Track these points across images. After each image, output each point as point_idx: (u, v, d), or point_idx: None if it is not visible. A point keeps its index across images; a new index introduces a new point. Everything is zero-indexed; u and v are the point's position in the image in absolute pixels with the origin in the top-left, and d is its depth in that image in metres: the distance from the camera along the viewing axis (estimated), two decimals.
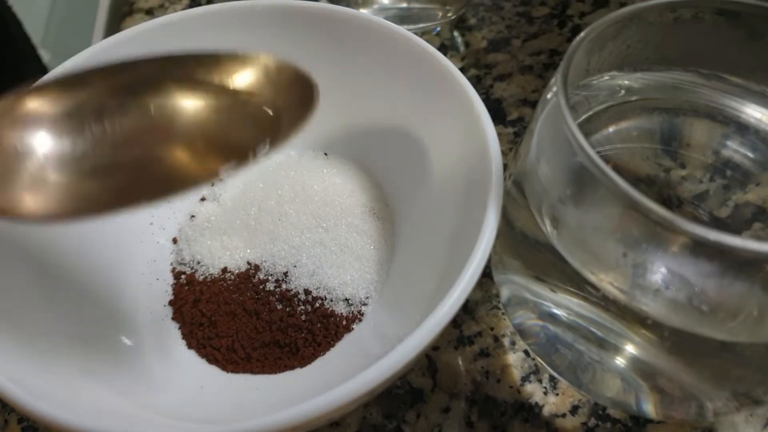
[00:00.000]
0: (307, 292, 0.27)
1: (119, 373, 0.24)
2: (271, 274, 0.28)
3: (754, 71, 0.22)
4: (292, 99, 0.22)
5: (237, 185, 0.31)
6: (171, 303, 0.28)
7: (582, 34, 0.20)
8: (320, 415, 0.17)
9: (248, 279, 0.28)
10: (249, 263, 0.28)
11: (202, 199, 0.31)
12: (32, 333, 0.22)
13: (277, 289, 0.27)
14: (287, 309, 0.27)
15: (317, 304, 0.27)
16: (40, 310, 0.23)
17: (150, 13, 0.46)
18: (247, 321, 0.27)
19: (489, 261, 0.20)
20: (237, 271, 0.28)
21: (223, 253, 0.29)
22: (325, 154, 0.32)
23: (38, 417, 0.18)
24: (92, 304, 0.26)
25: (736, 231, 0.22)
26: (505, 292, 0.25)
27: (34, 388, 0.19)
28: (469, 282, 0.19)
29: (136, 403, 0.22)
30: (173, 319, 0.27)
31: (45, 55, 0.65)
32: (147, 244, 0.29)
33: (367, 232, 0.29)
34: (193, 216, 0.30)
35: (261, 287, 0.27)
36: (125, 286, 0.28)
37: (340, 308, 0.27)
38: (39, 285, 0.24)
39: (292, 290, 0.27)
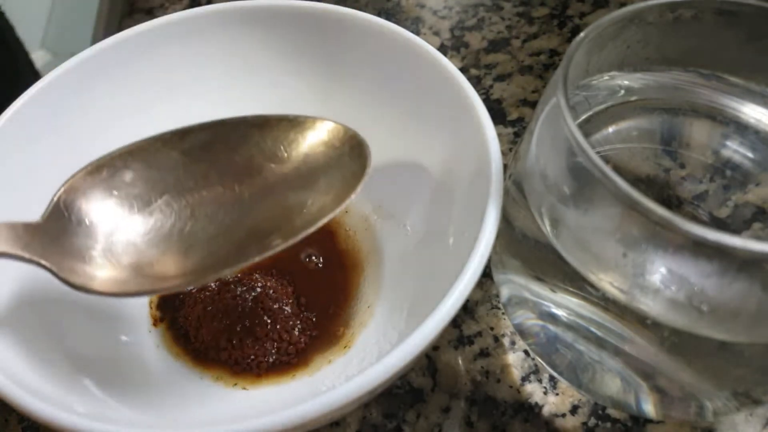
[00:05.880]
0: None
1: (118, 373, 0.24)
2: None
3: (754, 71, 0.22)
4: (344, 162, 0.23)
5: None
6: (158, 307, 0.27)
7: (582, 34, 0.20)
8: (320, 415, 0.17)
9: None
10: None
11: None
12: (32, 332, 0.22)
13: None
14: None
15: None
16: (38, 308, 0.23)
17: (150, 13, 0.46)
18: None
19: (489, 261, 0.20)
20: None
21: None
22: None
23: (38, 417, 0.18)
24: (91, 302, 0.26)
25: (736, 231, 0.22)
26: (505, 292, 0.25)
27: (33, 387, 0.19)
28: (469, 282, 0.19)
29: (133, 404, 0.22)
30: (170, 320, 0.27)
31: (42, 58, 0.65)
32: None
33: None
34: None
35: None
36: None
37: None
38: (37, 283, 0.24)
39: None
